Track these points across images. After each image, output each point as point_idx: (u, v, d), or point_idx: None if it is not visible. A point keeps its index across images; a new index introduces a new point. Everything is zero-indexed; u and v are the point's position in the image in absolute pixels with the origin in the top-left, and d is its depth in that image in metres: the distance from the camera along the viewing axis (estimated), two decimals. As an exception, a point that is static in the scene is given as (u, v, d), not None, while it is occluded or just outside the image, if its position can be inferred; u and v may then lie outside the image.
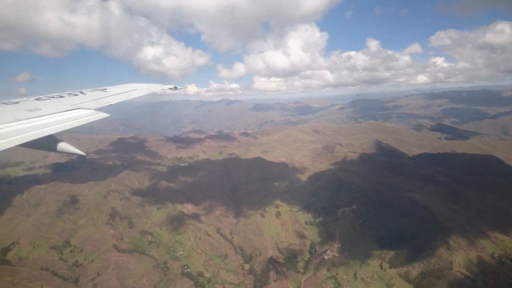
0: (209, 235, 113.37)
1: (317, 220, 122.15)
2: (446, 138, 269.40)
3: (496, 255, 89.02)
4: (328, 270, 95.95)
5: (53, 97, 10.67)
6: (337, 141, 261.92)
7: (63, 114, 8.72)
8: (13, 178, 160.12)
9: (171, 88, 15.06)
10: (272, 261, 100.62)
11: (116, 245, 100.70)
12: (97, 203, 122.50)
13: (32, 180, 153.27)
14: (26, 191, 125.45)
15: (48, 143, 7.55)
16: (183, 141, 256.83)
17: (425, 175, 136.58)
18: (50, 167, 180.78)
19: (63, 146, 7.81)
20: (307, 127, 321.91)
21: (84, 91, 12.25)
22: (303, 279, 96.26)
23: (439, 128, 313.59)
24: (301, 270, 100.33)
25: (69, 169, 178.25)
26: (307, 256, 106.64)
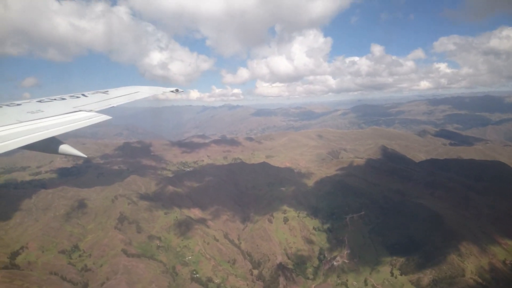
0: (217, 240, 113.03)
1: (325, 226, 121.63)
2: (450, 144, 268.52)
3: (508, 262, 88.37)
4: (338, 276, 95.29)
5: (55, 99, 10.66)
6: (341, 146, 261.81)
7: (65, 116, 8.71)
8: (19, 183, 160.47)
9: (172, 91, 14.75)
10: (282, 267, 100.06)
11: (125, 250, 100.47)
12: (105, 207, 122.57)
13: (39, 185, 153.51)
14: (34, 196, 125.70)
15: (50, 145, 7.54)
16: (188, 146, 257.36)
17: (433, 181, 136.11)
18: (56, 172, 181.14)
19: (65, 148, 7.81)
20: (311, 132, 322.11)
21: (86, 93, 12.22)
22: (313, 286, 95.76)
23: (443, 134, 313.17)
24: (311, 277, 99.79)
25: (75, 174, 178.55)
26: (316, 262, 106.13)
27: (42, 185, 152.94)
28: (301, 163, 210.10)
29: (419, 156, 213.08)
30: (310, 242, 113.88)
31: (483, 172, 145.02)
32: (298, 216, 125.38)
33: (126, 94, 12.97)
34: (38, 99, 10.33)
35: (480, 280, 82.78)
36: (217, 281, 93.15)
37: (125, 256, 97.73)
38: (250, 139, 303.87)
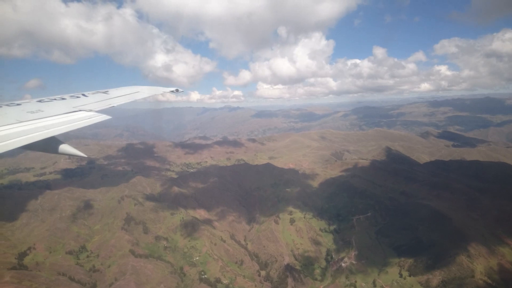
0: (224, 241, 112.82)
1: (332, 227, 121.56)
2: (453, 146, 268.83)
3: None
4: (346, 277, 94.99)
5: (55, 99, 10.61)
6: (344, 147, 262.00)
7: (64, 116, 8.71)
8: (24, 184, 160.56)
9: (172, 91, 14.61)
10: (289, 268, 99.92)
11: (133, 250, 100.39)
12: (111, 208, 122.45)
13: (43, 186, 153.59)
14: (40, 196, 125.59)
15: (50, 145, 7.53)
16: (191, 147, 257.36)
17: (439, 182, 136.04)
18: (60, 173, 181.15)
19: (64, 148, 7.78)
20: (313, 133, 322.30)
21: (86, 93, 12.21)
22: (321, 287, 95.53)
23: (446, 135, 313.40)
24: (319, 278, 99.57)
25: (79, 175, 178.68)
26: (323, 263, 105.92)
27: (47, 186, 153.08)
28: (304, 164, 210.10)
29: (423, 157, 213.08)
30: (317, 243, 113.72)
31: (489, 174, 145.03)
32: (304, 217, 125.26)
33: (126, 94, 12.95)
34: (38, 99, 10.31)
35: (489, 281, 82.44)
36: (225, 281, 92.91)
37: (133, 257, 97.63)
38: (253, 140, 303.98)
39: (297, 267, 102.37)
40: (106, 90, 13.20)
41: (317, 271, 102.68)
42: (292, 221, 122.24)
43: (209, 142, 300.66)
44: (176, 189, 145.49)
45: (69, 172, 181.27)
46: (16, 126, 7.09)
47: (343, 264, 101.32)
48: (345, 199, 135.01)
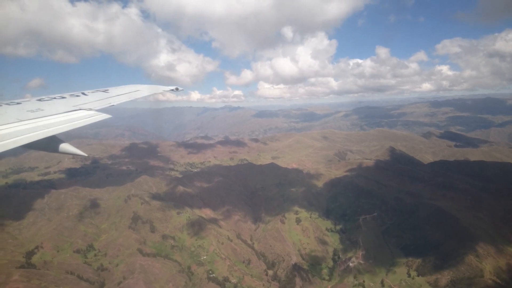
0: (231, 240, 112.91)
1: (338, 227, 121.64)
2: (455, 146, 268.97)
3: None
4: (354, 277, 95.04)
5: (55, 98, 10.67)
6: (347, 147, 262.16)
7: (64, 115, 8.72)
8: (29, 183, 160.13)
9: (172, 90, 14.54)
10: (297, 268, 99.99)
11: (140, 249, 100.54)
12: (118, 207, 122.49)
13: (48, 185, 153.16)
14: (47, 195, 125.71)
15: (50, 144, 7.52)
16: (194, 147, 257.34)
17: (444, 182, 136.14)
18: (64, 172, 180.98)
19: (65, 147, 7.76)
20: (316, 133, 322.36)
21: (86, 92, 12.27)
22: (329, 286, 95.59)
23: (448, 135, 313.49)
24: (326, 277, 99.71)
25: (83, 174, 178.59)
26: (330, 263, 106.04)
27: (51, 185, 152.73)
28: (307, 164, 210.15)
29: (426, 157, 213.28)
30: (323, 243, 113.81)
31: (493, 174, 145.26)
32: (310, 217, 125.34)
33: (126, 93, 12.96)
34: (38, 98, 10.32)
35: (498, 281, 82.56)
36: (233, 281, 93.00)
37: (140, 256, 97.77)
38: (255, 140, 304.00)
39: (305, 267, 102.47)
40: (106, 88, 13.27)
41: (325, 270, 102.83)
42: (298, 221, 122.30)
43: (211, 142, 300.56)
44: (181, 188, 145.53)
45: (74, 172, 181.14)
46: (16, 125, 7.09)
47: (350, 264, 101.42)
48: (351, 199, 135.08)
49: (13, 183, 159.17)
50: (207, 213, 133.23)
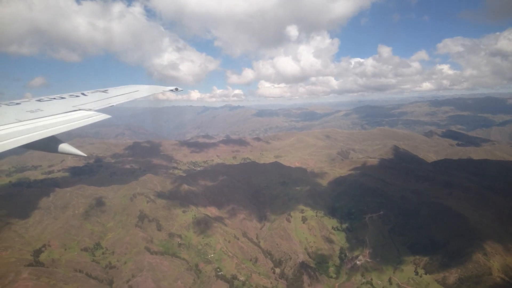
0: (238, 239, 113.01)
1: (344, 226, 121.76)
2: (457, 145, 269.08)
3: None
4: (362, 275, 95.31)
5: (54, 98, 10.66)
6: (350, 146, 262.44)
7: (64, 115, 8.73)
8: (32, 182, 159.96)
9: (172, 90, 14.44)
10: (304, 266, 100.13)
11: (148, 247, 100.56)
12: (123, 205, 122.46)
13: (52, 184, 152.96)
14: (52, 194, 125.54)
15: (49, 144, 7.53)
16: (197, 146, 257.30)
17: (450, 181, 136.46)
18: (68, 171, 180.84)
19: (64, 147, 7.77)
20: (318, 132, 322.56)
21: (85, 92, 12.25)
22: (337, 284, 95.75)
23: (449, 134, 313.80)
24: (333, 275, 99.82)
25: (87, 173, 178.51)
26: (337, 261, 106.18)
27: (55, 184, 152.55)
28: (311, 163, 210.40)
29: (429, 156, 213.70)
30: (330, 241, 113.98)
31: (498, 172, 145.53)
32: (316, 216, 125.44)
33: (126, 93, 12.97)
34: (38, 98, 10.32)
35: (507, 279, 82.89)
36: (241, 278, 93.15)
37: (148, 254, 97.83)
38: (258, 139, 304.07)
39: (312, 265, 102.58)
40: (105, 89, 13.26)
41: (332, 268, 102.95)
42: (304, 219, 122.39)
43: (214, 141, 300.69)
44: (186, 187, 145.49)
45: (77, 170, 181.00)
46: (16, 126, 7.07)
47: (357, 262, 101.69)
48: (356, 197, 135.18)
49: (16, 181, 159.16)
50: (212, 211, 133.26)
